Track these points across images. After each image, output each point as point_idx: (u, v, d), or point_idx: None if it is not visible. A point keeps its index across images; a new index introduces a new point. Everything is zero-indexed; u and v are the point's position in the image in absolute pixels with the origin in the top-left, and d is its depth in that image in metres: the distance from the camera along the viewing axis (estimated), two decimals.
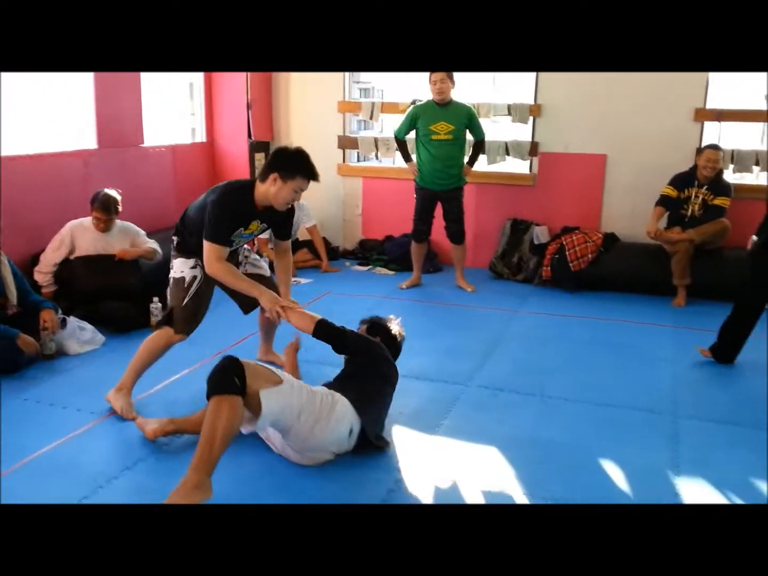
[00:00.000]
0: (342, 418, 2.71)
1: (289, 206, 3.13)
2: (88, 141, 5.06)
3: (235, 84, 6.21)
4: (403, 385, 3.52)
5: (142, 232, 4.64)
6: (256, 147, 6.43)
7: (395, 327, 3.25)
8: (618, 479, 2.67)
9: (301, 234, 6.10)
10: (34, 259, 4.42)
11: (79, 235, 4.37)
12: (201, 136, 6.38)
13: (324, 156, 6.44)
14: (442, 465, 2.78)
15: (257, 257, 3.58)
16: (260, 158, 6.51)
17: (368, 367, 2.99)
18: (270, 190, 2.96)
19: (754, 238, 3.87)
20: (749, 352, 3.88)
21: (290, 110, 6.56)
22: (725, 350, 3.85)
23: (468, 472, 2.72)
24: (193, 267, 3.19)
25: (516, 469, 2.74)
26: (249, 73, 6.14)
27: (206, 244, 2.97)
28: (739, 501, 2.52)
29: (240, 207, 3.02)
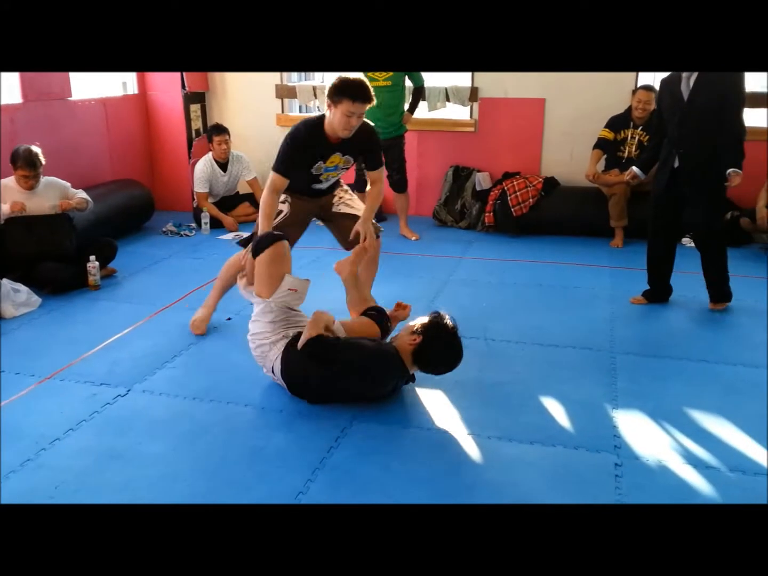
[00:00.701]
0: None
1: (368, 133, 3.22)
2: (13, 95, 4.83)
3: None
4: None
5: (69, 185, 4.46)
6: (191, 98, 6.24)
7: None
8: (559, 415, 2.76)
9: (242, 188, 5.99)
10: None
11: (6, 197, 4.19)
12: (133, 89, 6.15)
13: (262, 107, 6.32)
14: (389, 409, 2.82)
15: (352, 197, 3.62)
16: (196, 110, 6.33)
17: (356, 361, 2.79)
18: (330, 120, 3.07)
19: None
20: (682, 289, 4.04)
21: None
22: (655, 290, 4.02)
23: (415, 415, 2.77)
24: (282, 202, 3.35)
25: (461, 410, 2.80)
26: None
27: (270, 174, 3.21)
28: (672, 429, 2.64)
29: (310, 140, 3.16)
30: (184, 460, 2.46)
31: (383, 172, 3.43)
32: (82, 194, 4.44)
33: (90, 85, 5.78)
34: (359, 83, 3.00)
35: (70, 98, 5.31)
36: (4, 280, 3.83)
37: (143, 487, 2.29)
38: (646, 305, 3.97)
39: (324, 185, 3.40)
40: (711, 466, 2.41)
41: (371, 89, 3.02)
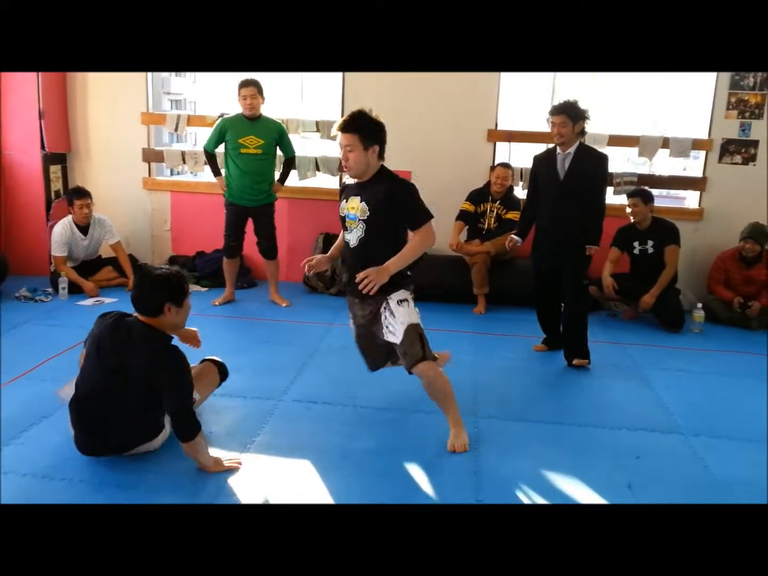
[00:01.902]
0: None
1: (399, 188, 3.00)
2: None
3: (25, 90, 5.75)
4: (216, 403, 3.47)
5: None
6: (51, 159, 6.00)
7: None
8: (423, 482, 2.80)
9: (105, 251, 5.77)
10: None
11: None
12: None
13: (128, 169, 6.18)
14: (253, 482, 2.75)
15: (395, 323, 3.08)
16: (56, 171, 6.09)
17: None
18: None
19: (514, 237, 4.42)
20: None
21: (89, 120, 6.18)
22: (550, 339, 4.49)
23: (279, 487, 2.72)
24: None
25: (327, 480, 2.78)
26: (40, 79, 5.71)
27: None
28: (531, 493, 2.75)
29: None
30: None
31: (429, 226, 3.00)
32: None
33: None
34: (347, 116, 2.94)
35: None
36: None
37: None
38: (504, 369, 4.17)
39: (352, 238, 3.06)
40: None
41: (355, 120, 2.90)
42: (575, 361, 4.20)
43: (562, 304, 4.35)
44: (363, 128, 2.90)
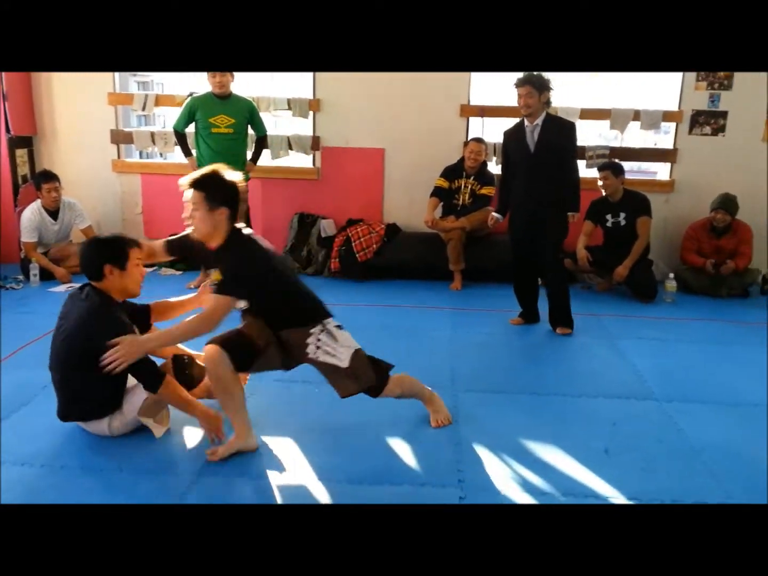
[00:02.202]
0: None
1: (230, 252, 2.76)
2: None
3: None
4: None
5: None
6: (16, 142, 5.88)
7: None
8: (406, 455, 2.83)
9: (76, 236, 5.68)
10: None
11: None
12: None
13: (96, 152, 6.08)
14: (236, 461, 2.76)
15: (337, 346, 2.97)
16: (22, 155, 5.97)
17: None
18: None
19: (495, 214, 4.51)
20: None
21: (54, 102, 6.06)
22: (526, 312, 4.53)
23: (262, 465, 2.73)
24: None
25: (309, 456, 2.80)
26: None
27: None
28: (510, 460, 2.79)
29: None
30: None
31: (221, 301, 2.74)
32: None
33: None
34: (199, 173, 2.79)
35: None
36: None
37: None
38: (480, 344, 4.20)
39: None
40: (546, 492, 2.56)
41: (205, 178, 2.73)
42: (559, 330, 4.30)
43: (539, 278, 4.40)
44: (211, 188, 2.72)
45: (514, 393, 3.46)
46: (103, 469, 2.67)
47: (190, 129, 5.17)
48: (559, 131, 4.08)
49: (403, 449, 2.88)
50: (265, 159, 5.76)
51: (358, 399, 3.33)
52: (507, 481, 2.63)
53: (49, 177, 5.37)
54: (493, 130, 6.44)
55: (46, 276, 5.27)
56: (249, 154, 5.31)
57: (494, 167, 5.90)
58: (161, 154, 6.63)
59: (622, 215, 5.27)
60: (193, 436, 2.95)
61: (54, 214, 5.43)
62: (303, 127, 6.18)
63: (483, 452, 2.85)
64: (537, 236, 4.19)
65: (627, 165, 5.68)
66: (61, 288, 5.15)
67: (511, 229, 4.36)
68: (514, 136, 4.20)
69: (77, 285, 5.10)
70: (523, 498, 2.52)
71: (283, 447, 2.88)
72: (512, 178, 4.25)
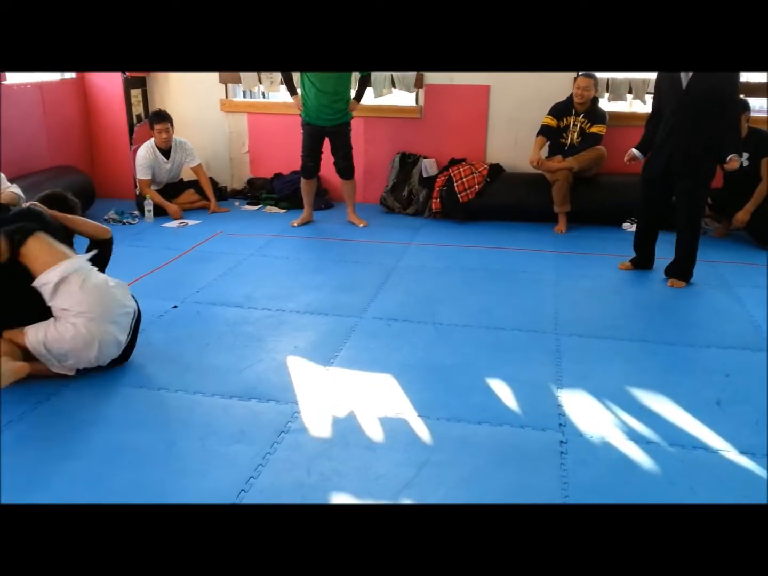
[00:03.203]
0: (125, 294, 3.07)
1: None
2: None
3: None
4: (298, 319, 3.56)
5: (2, 176, 4.25)
6: (131, 83, 6.08)
7: None
8: (506, 396, 2.81)
9: (186, 174, 5.88)
10: None
11: None
12: (70, 72, 5.95)
13: (205, 92, 6.21)
14: (339, 394, 2.83)
15: None
16: (137, 95, 6.18)
17: None
18: None
19: (634, 150, 4.22)
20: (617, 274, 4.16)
21: None
22: (641, 258, 4.32)
23: (365, 400, 2.79)
24: None
25: (410, 393, 2.83)
26: None
27: None
28: (614, 407, 2.72)
29: None
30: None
31: None
32: (14, 188, 4.22)
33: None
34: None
35: (4, 82, 5.11)
36: None
37: None
38: (587, 288, 4.06)
39: None
40: (651, 441, 2.49)
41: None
42: (671, 281, 4.09)
43: (673, 226, 4.16)
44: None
45: (621, 339, 3.35)
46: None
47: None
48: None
49: (503, 390, 2.86)
50: (369, 98, 5.71)
51: (460, 339, 3.34)
52: (610, 428, 2.57)
53: (162, 117, 5.54)
54: None
55: (159, 212, 5.50)
56: (352, 93, 5.27)
57: (606, 104, 5.61)
58: (264, 94, 6.70)
59: (746, 155, 4.89)
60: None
61: (166, 153, 5.62)
62: None
63: (585, 397, 2.80)
64: (683, 179, 3.94)
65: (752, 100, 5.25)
66: (173, 224, 5.37)
67: (648, 169, 4.12)
68: (667, 72, 3.95)
69: (188, 221, 5.37)
70: (626, 446, 2.45)
71: (384, 383, 2.92)
72: (660, 115, 4.01)
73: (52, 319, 2.84)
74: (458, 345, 3.30)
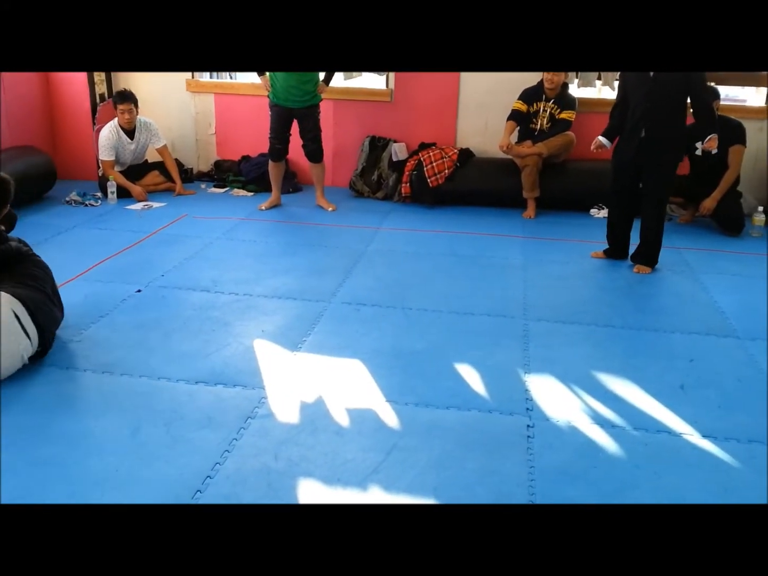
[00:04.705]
0: None
1: None
2: None
3: None
4: (266, 304, 3.53)
5: None
6: None
7: None
8: (474, 381, 2.82)
9: (151, 155, 5.76)
10: None
11: None
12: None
13: (171, 72, 6.07)
14: (307, 379, 2.81)
15: None
16: (100, 74, 6.01)
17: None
18: None
19: (601, 138, 4.23)
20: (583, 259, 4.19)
21: None
22: (614, 248, 4.30)
23: (333, 385, 2.77)
24: None
25: (379, 378, 2.82)
26: None
27: None
28: (580, 391, 2.75)
29: None
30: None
31: None
32: None
33: None
34: None
35: None
36: None
37: None
38: (553, 273, 4.08)
39: None
40: (617, 425, 2.52)
41: None
42: (637, 268, 4.12)
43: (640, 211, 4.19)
44: None
45: (588, 324, 3.38)
46: (172, 377, 2.77)
47: None
48: None
49: (471, 375, 2.86)
50: (338, 80, 5.65)
51: (429, 324, 3.33)
52: (576, 412, 2.59)
53: (125, 97, 5.41)
54: None
55: (123, 194, 5.38)
56: (321, 75, 5.20)
57: (576, 90, 5.63)
58: (231, 75, 6.58)
59: None
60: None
61: (130, 133, 5.49)
62: None
63: (552, 382, 2.82)
64: (648, 165, 3.96)
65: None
66: (137, 206, 5.27)
67: (618, 156, 4.12)
68: None
69: (153, 203, 5.27)
70: (592, 430, 2.48)
71: (353, 368, 2.90)
72: (627, 103, 4.02)
73: None
74: (427, 330, 3.29)
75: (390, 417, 2.55)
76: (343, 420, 2.54)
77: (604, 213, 4.98)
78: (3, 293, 2.69)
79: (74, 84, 5.83)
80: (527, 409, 2.61)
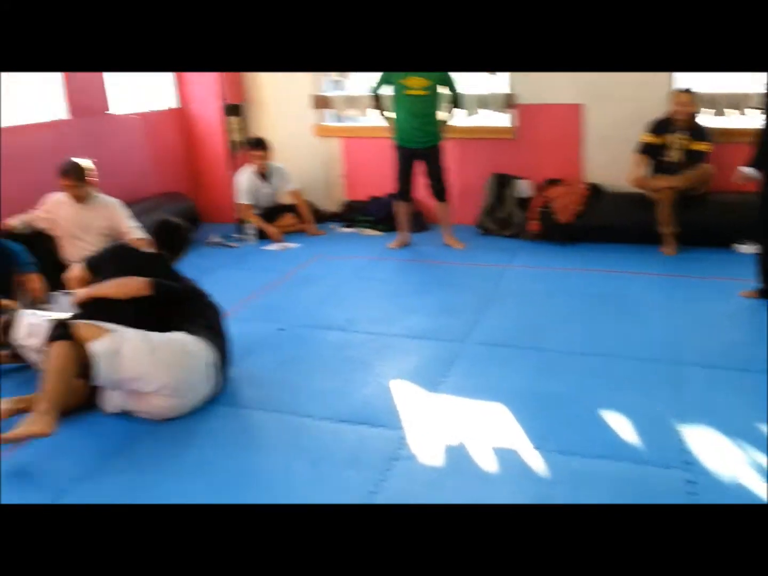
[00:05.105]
0: (198, 353, 2.86)
1: None
2: (59, 111, 4.90)
3: None
4: (401, 343, 3.56)
5: (125, 213, 4.37)
6: (229, 110, 6.26)
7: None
8: (623, 429, 2.69)
9: (284, 198, 6.00)
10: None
11: (59, 208, 4.24)
12: (173, 102, 6.20)
13: (299, 117, 6.33)
14: (448, 421, 2.79)
15: None
16: (234, 122, 6.35)
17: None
18: None
19: (745, 169, 3.96)
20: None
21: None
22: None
23: (474, 427, 2.73)
24: None
25: (522, 422, 2.76)
26: None
27: None
28: (744, 444, 2.56)
29: None
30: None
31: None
32: (139, 234, 4.26)
33: (128, 99, 5.81)
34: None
35: (107, 112, 5.35)
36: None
37: None
38: (701, 313, 3.85)
39: None
40: None
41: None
42: None
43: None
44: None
45: (744, 370, 3.14)
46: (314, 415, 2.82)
47: (388, 91, 5.21)
48: None
49: (620, 422, 2.74)
50: (462, 119, 5.69)
51: (570, 367, 3.23)
52: (742, 468, 2.40)
53: (258, 144, 5.69)
54: (703, 78, 5.84)
55: (260, 235, 5.62)
56: (443, 116, 5.24)
57: (708, 120, 5.38)
58: (349, 118, 6.78)
59: None
60: None
61: (264, 177, 5.76)
62: (497, 83, 6.01)
63: (711, 433, 2.64)
64: None
65: None
66: (275, 246, 5.48)
67: (766, 189, 3.82)
68: None
69: (288, 244, 5.46)
70: (762, 488, 2.29)
71: (494, 411, 2.86)
72: None
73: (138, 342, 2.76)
74: (568, 373, 3.20)
75: (536, 464, 2.48)
76: (488, 465, 2.49)
77: (750, 247, 4.67)
78: (204, 343, 2.88)
79: (211, 133, 6.19)
80: (685, 462, 2.45)
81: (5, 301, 3.39)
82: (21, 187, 4.40)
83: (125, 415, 2.84)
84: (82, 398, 2.85)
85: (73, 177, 4.14)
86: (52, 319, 2.91)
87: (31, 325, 3.13)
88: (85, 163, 4.21)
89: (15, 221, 4.14)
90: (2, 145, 4.29)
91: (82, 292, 3.06)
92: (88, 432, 2.77)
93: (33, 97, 5.04)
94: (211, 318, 3.11)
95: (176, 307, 3.06)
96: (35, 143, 4.61)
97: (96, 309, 2.93)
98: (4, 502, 2.18)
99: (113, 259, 3.19)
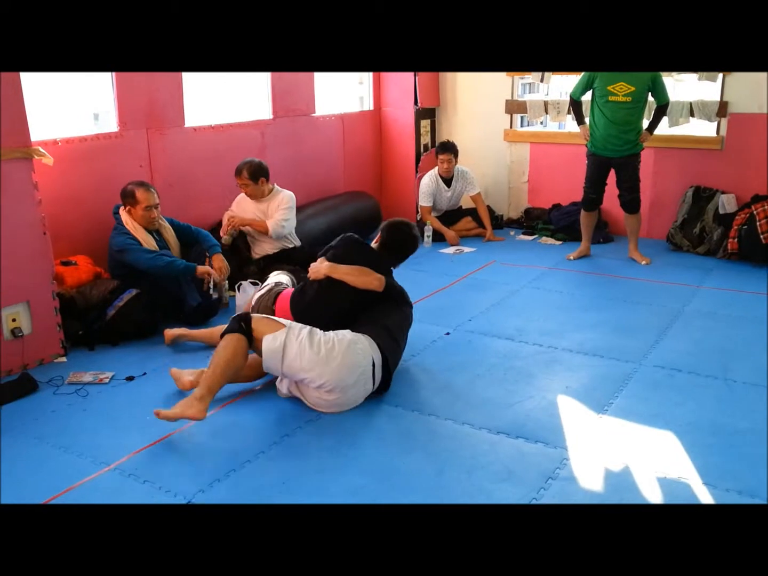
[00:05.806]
0: (361, 351, 2.89)
1: None
2: (264, 112, 5.29)
3: None
4: (571, 359, 3.43)
5: (284, 205, 4.51)
6: (422, 114, 6.40)
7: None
8: None
9: (465, 202, 6.02)
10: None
11: (241, 205, 4.56)
12: (368, 105, 6.45)
13: (490, 122, 6.32)
14: (612, 446, 2.65)
15: None
16: (426, 125, 6.49)
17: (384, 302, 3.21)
18: None
19: None
20: None
21: (457, 76, 6.45)
22: None
23: (641, 455, 2.57)
24: None
25: (695, 456, 2.55)
26: None
27: None
28: None
29: None
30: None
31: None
32: (272, 222, 4.44)
33: (330, 102, 6.14)
34: None
35: (313, 114, 5.69)
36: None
37: None
38: None
39: None
40: None
41: None
42: None
43: None
44: None
45: None
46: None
47: (586, 97, 5.04)
48: None
49: None
50: (662, 127, 5.35)
51: (758, 401, 2.94)
52: None
53: (446, 148, 5.75)
54: None
55: (437, 238, 5.69)
56: (645, 123, 4.98)
57: None
58: (541, 123, 6.62)
59: None
60: None
61: (448, 181, 5.81)
62: (709, 91, 5.58)
63: None
64: None
65: None
66: (450, 250, 5.52)
67: None
68: None
69: (464, 248, 5.48)
70: None
71: (664, 440, 2.67)
72: None
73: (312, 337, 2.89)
74: (755, 408, 2.91)
75: (707, 501, 2.29)
76: (652, 497, 2.34)
77: None
78: (368, 341, 2.97)
79: (403, 135, 6.37)
80: None
81: (202, 268, 3.93)
82: (227, 180, 4.77)
83: (297, 400, 3.00)
84: (263, 373, 3.08)
85: (245, 176, 4.44)
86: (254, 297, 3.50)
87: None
88: (258, 162, 4.47)
89: (226, 236, 4.47)
90: (209, 142, 4.71)
91: (324, 267, 3.23)
92: (257, 413, 2.96)
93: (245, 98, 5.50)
94: (397, 322, 3.17)
95: (378, 305, 3.18)
96: (241, 140, 5.00)
97: (321, 289, 3.20)
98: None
99: (351, 250, 3.32)
